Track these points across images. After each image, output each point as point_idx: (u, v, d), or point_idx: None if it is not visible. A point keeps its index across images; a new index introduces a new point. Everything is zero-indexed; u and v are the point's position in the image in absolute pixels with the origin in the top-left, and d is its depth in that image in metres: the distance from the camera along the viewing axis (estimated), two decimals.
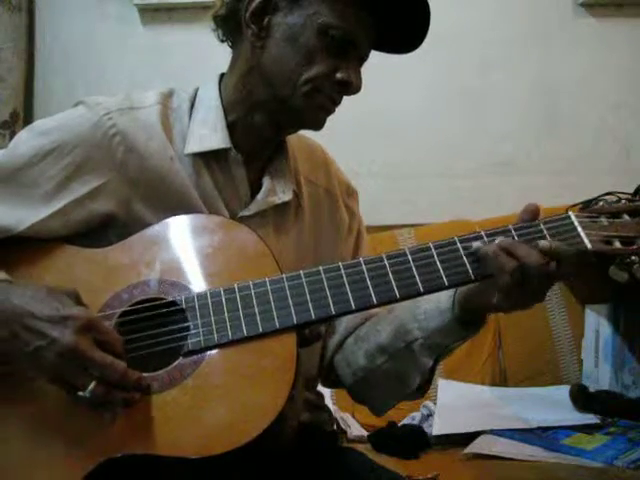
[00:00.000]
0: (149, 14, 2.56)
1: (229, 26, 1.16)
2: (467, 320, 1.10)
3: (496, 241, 1.01)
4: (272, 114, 1.14)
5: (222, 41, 1.19)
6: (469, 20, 2.51)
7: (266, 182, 1.18)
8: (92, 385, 0.92)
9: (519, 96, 2.53)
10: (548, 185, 2.41)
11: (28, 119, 2.53)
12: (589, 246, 1.02)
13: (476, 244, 1.02)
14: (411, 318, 1.16)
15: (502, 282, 0.99)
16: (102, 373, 0.93)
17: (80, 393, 0.93)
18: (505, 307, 1.04)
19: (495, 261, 0.99)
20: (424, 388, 1.19)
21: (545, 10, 2.52)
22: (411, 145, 2.50)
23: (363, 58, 1.15)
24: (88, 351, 0.93)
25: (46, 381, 0.96)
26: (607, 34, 2.51)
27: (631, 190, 1.07)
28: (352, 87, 1.12)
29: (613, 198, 1.07)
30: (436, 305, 1.13)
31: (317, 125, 1.15)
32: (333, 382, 1.30)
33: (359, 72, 1.13)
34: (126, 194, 1.10)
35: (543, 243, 0.99)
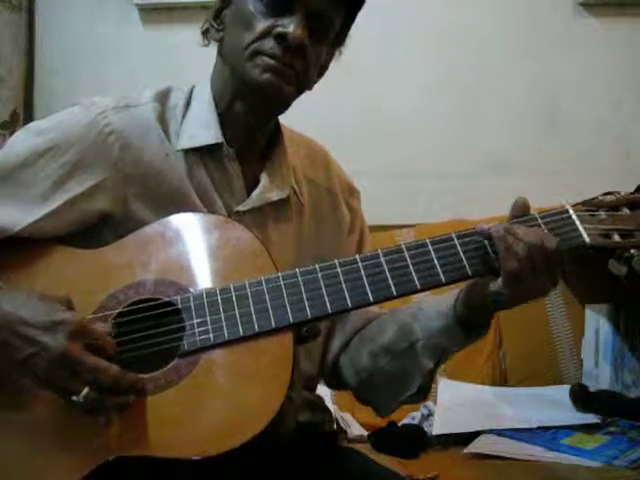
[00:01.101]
0: (149, 14, 2.56)
1: (208, 37, 1.19)
2: (469, 322, 1.10)
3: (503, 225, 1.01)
4: (243, 98, 1.14)
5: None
6: (468, 20, 2.51)
7: (263, 179, 1.18)
8: (85, 390, 0.92)
9: (518, 96, 2.52)
10: (547, 185, 2.40)
11: (28, 119, 2.53)
12: (587, 240, 1.01)
13: (480, 225, 1.02)
14: (414, 318, 1.16)
15: (509, 267, 0.99)
16: (94, 378, 0.93)
17: (74, 398, 0.93)
18: (507, 301, 1.03)
19: (502, 243, 0.99)
20: (424, 392, 1.19)
21: (545, 10, 2.51)
22: (410, 145, 2.50)
23: (313, 12, 1.09)
24: (79, 356, 0.93)
25: (39, 388, 0.96)
26: (607, 34, 2.51)
27: (631, 190, 1.07)
28: (289, 36, 1.06)
29: (613, 198, 1.07)
30: (438, 306, 1.13)
31: (268, 87, 1.08)
32: (337, 383, 1.30)
33: (302, 24, 1.07)
34: (122, 192, 1.10)
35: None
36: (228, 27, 1.14)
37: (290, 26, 1.07)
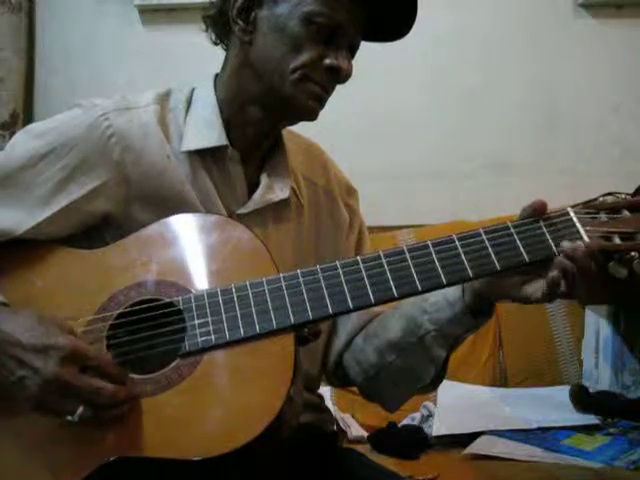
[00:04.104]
0: (149, 14, 2.57)
1: (219, 26, 1.18)
2: (477, 309, 1.11)
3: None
4: (265, 107, 1.14)
5: (216, 44, 1.20)
6: (469, 21, 2.51)
7: (264, 180, 1.18)
8: (80, 410, 0.92)
9: (518, 97, 2.53)
10: (547, 186, 2.40)
11: (28, 120, 2.53)
12: (588, 242, 1.02)
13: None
14: (421, 312, 1.16)
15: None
16: (89, 400, 0.92)
17: (69, 418, 0.92)
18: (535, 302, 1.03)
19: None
20: (438, 381, 1.20)
21: (545, 11, 2.52)
22: (411, 146, 2.50)
23: (353, 46, 1.15)
24: (72, 381, 0.93)
25: (32, 409, 0.95)
26: (606, 35, 2.51)
27: (630, 191, 1.07)
28: (342, 73, 1.11)
29: (613, 200, 1.07)
30: (444, 296, 1.13)
31: (310, 114, 1.14)
32: (342, 381, 1.30)
33: (349, 58, 1.13)
34: (123, 194, 1.10)
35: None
36: (264, 34, 1.11)
37: (342, 61, 1.10)
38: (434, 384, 1.20)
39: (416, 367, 1.18)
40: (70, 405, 0.93)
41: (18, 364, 0.94)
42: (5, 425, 0.99)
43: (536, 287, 1.02)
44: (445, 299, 1.13)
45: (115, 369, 0.96)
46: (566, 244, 1.00)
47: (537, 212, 1.04)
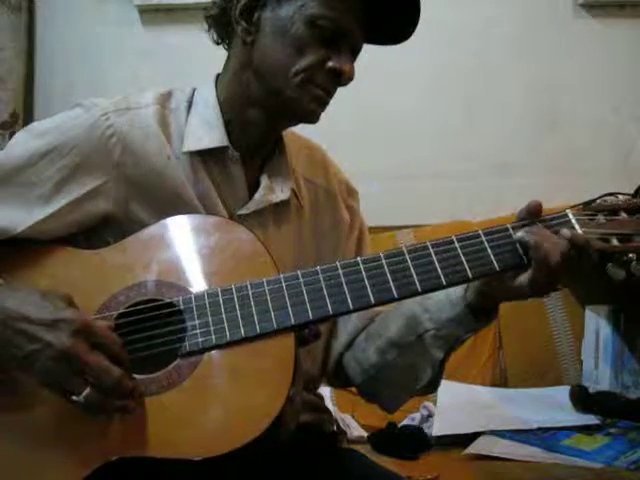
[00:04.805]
0: (149, 15, 2.56)
1: (221, 25, 1.18)
2: (479, 309, 1.11)
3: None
4: (267, 109, 1.14)
5: (217, 43, 1.20)
6: (469, 21, 2.51)
7: (264, 181, 1.18)
8: (87, 390, 0.91)
9: (518, 97, 2.53)
10: (547, 186, 2.40)
11: (28, 120, 2.53)
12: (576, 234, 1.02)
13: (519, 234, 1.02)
14: (422, 310, 1.16)
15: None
16: (97, 377, 0.92)
17: (74, 397, 0.92)
18: (528, 293, 1.04)
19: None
20: (435, 383, 1.20)
21: (545, 10, 2.52)
22: (411, 146, 2.50)
23: (355, 49, 1.14)
24: (83, 355, 0.92)
25: (39, 385, 0.95)
26: (607, 35, 2.51)
27: (631, 191, 1.07)
28: (344, 76, 1.11)
29: (613, 199, 1.07)
30: (447, 296, 1.13)
31: (312, 117, 1.14)
32: (343, 382, 1.30)
33: (351, 62, 1.13)
34: (123, 195, 1.10)
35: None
36: (266, 35, 1.11)
37: (345, 64, 1.10)
38: (433, 385, 1.20)
39: (414, 366, 1.18)
40: (78, 384, 0.92)
41: (27, 339, 0.93)
42: (8, 418, 0.99)
43: (525, 277, 1.03)
44: (448, 299, 1.13)
45: (122, 350, 0.96)
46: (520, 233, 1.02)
47: (531, 213, 1.04)
